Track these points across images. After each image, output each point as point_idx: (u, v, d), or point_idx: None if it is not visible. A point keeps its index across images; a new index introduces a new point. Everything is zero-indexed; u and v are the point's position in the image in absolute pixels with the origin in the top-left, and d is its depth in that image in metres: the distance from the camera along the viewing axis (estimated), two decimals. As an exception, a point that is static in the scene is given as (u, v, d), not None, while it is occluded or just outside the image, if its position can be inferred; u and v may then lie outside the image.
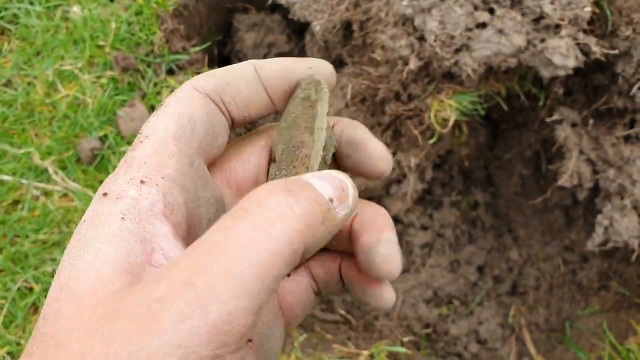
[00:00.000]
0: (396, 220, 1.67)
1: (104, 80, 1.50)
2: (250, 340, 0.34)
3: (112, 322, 0.31)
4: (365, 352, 1.32)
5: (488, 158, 1.73)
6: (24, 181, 1.43)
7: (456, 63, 1.25)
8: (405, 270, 1.62)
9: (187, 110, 0.41)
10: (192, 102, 0.42)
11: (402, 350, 1.33)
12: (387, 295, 0.44)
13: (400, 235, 1.66)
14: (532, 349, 1.46)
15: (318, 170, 0.43)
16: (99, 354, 0.30)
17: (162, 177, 0.38)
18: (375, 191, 1.59)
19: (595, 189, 1.37)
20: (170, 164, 0.39)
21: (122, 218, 0.36)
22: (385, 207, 1.67)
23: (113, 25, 1.52)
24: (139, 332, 0.30)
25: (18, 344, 1.28)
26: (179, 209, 0.39)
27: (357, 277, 0.45)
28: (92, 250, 0.35)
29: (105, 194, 0.37)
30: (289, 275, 0.36)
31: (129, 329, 0.30)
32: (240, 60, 1.68)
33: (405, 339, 1.40)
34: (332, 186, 0.37)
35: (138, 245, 0.35)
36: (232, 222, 0.33)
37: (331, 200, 0.36)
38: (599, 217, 1.31)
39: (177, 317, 0.30)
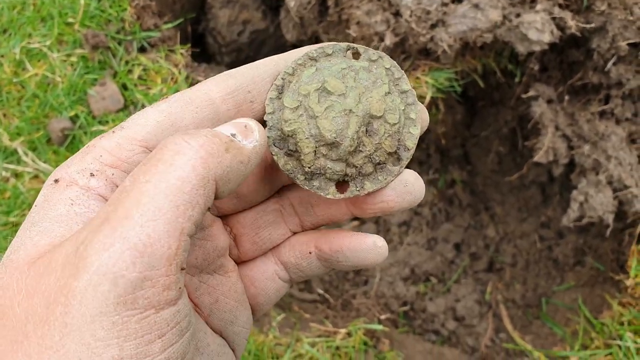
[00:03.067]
0: (373, 199, 1.66)
1: (73, 59, 1.46)
2: (182, 269, 0.34)
3: (47, 276, 0.33)
4: (343, 330, 1.32)
5: (465, 136, 1.73)
6: (-8, 162, 1.39)
7: (432, 39, 1.24)
8: (382, 249, 1.61)
9: (176, 113, 0.41)
10: (189, 106, 0.41)
11: (380, 327, 1.33)
12: (380, 244, 0.45)
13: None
14: (508, 325, 1.47)
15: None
16: (40, 307, 0.32)
17: (113, 174, 0.39)
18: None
19: (571, 165, 1.38)
20: (123, 164, 0.39)
21: (71, 203, 0.37)
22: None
23: (82, 1, 1.48)
24: (70, 275, 0.32)
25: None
26: None
27: (343, 243, 0.46)
28: (37, 228, 0.36)
29: (56, 181, 0.38)
30: (209, 209, 0.36)
31: (62, 276, 0.32)
32: (214, 39, 1.65)
33: (383, 317, 1.40)
34: (231, 126, 0.39)
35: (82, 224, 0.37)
36: (137, 168, 0.35)
37: (233, 135, 0.38)
38: (574, 192, 1.32)
39: (99, 249, 0.32)
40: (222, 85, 0.42)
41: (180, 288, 0.34)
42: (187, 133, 0.36)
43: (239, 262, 0.49)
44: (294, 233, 0.49)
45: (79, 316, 0.31)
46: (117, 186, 0.39)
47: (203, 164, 0.34)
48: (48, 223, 0.37)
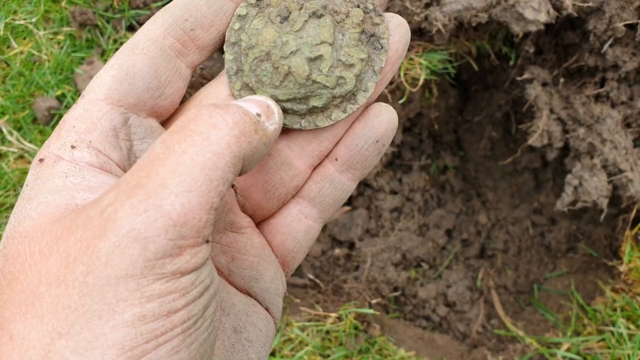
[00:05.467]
0: (366, 184, 1.64)
1: (60, 37, 1.43)
2: (208, 242, 0.34)
3: (66, 238, 0.32)
4: (334, 315, 1.30)
5: (457, 122, 1.71)
6: (-24, 142, 1.36)
7: (426, 18, 1.22)
8: (374, 234, 1.60)
9: (127, 62, 0.41)
10: (135, 51, 0.41)
11: (371, 311, 1.31)
12: (383, 104, 0.45)
13: (370, 200, 1.64)
14: (500, 311, 1.46)
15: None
16: (56, 268, 0.31)
17: (91, 140, 0.38)
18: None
19: (565, 149, 1.36)
20: (98, 126, 0.39)
21: (65, 176, 0.37)
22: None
23: (70, -22, 1.45)
24: (95, 236, 0.31)
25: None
26: (115, 167, 0.39)
27: (355, 129, 0.45)
28: (37, 200, 0.36)
29: (41, 160, 0.38)
30: (233, 186, 0.38)
31: (84, 237, 0.31)
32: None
33: (374, 301, 1.39)
34: (256, 105, 0.39)
35: (85, 193, 0.36)
36: (169, 135, 0.34)
37: (258, 114, 0.38)
38: (569, 176, 1.30)
39: (132, 213, 0.31)
40: (160, 22, 0.42)
41: (206, 257, 0.34)
42: (220, 106, 0.36)
43: (262, 221, 0.48)
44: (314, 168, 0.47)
45: (102, 277, 0.31)
46: (100, 151, 0.38)
47: (237, 142, 0.35)
48: (47, 194, 0.36)
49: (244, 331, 0.42)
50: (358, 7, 0.43)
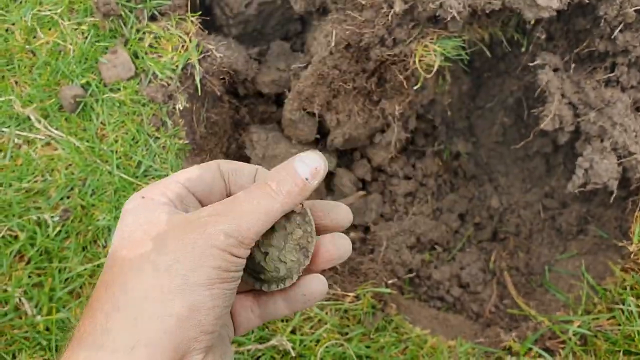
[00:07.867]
0: (380, 170, 1.68)
1: (84, 27, 1.48)
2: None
3: (178, 229, 0.55)
4: (352, 294, 1.34)
5: (470, 108, 1.74)
6: (5, 129, 1.41)
7: (441, 5, 1.26)
8: (389, 218, 1.64)
9: (198, 172, 0.62)
10: (204, 167, 0.63)
11: (387, 291, 1.35)
12: (322, 278, 0.65)
13: (384, 185, 1.68)
14: (513, 291, 1.50)
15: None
16: (174, 244, 0.55)
17: (172, 195, 0.60)
18: (360, 141, 1.60)
19: (576, 133, 1.40)
20: (176, 190, 0.61)
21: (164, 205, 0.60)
22: (369, 157, 1.64)
23: (93, -30, 1.49)
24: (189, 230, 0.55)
25: (5, 290, 1.27)
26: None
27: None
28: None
29: (143, 197, 0.60)
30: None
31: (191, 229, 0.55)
32: (222, 10, 1.67)
33: (390, 282, 1.43)
34: (308, 169, 0.58)
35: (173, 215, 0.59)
36: (253, 187, 0.58)
37: (306, 178, 0.58)
38: (580, 159, 1.34)
39: (216, 226, 0.54)
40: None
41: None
42: (280, 177, 0.58)
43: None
44: None
45: (204, 245, 0.54)
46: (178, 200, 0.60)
47: (285, 201, 0.57)
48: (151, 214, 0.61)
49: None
50: (300, 228, 0.62)
